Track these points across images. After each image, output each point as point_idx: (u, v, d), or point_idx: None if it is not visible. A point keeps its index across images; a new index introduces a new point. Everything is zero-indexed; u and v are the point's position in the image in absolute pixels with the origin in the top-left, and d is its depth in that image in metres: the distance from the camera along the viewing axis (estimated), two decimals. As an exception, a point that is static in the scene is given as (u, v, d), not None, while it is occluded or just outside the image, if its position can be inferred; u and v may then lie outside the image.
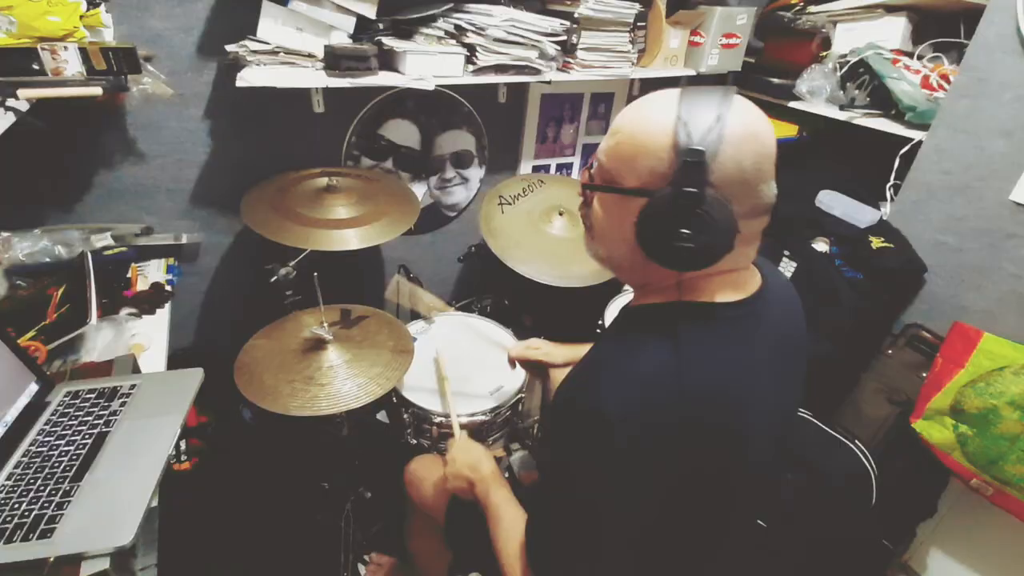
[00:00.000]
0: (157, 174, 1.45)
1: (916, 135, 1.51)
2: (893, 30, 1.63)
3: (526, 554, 0.75)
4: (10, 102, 1.00)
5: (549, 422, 0.72)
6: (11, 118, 1.00)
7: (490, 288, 2.01)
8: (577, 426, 0.64)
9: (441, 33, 1.45)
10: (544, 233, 1.68)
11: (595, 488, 0.63)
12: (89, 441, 0.87)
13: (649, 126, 0.61)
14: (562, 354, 1.19)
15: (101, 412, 0.92)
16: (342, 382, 1.17)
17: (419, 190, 1.84)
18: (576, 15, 1.55)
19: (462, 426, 1.30)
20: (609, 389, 0.61)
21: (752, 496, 0.75)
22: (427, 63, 1.40)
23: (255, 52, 1.27)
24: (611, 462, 0.61)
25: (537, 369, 1.25)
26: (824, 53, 1.76)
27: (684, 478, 0.61)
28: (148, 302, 1.28)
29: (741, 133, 0.58)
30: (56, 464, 0.84)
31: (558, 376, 1.32)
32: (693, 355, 0.61)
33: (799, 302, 0.78)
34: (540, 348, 1.22)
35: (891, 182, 1.60)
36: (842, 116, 1.63)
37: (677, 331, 0.63)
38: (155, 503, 0.80)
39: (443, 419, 1.32)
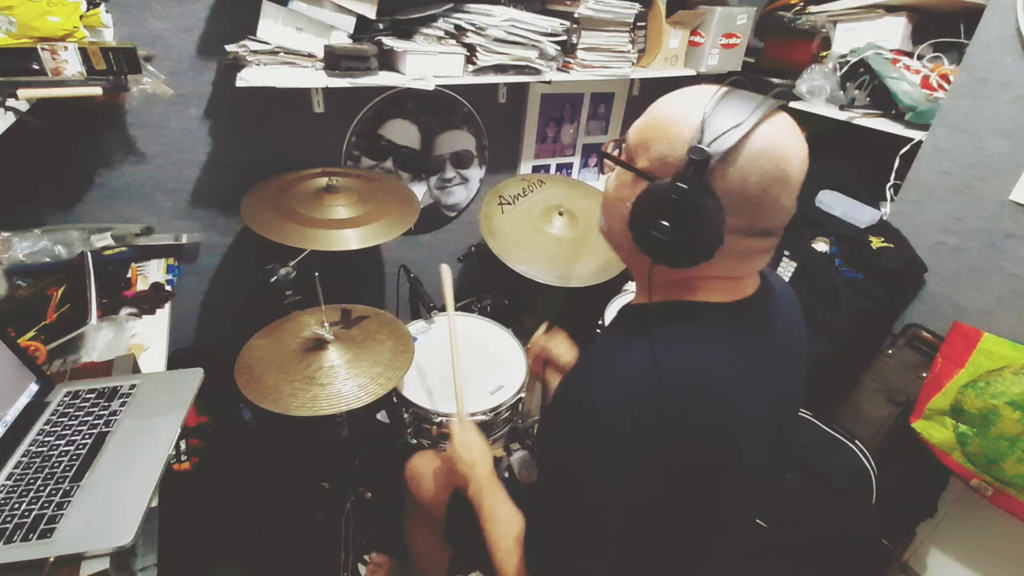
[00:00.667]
0: (157, 174, 1.45)
1: (916, 135, 1.51)
2: (893, 30, 1.63)
3: (523, 552, 0.75)
4: (10, 102, 1.00)
5: (547, 417, 0.73)
6: (11, 118, 1.00)
7: (490, 288, 2.01)
8: (568, 421, 0.65)
9: (441, 33, 1.45)
10: (544, 233, 1.68)
11: (587, 483, 0.63)
12: (89, 441, 0.87)
13: (676, 113, 0.61)
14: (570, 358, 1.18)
15: (101, 412, 0.92)
16: (343, 382, 1.17)
17: (419, 190, 1.84)
18: (576, 15, 1.55)
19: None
20: (598, 385, 0.62)
21: (747, 494, 0.75)
22: (427, 63, 1.40)
23: (255, 52, 1.27)
24: (600, 457, 0.61)
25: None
26: (824, 53, 1.76)
27: (672, 475, 0.62)
28: (148, 302, 1.28)
29: (759, 149, 0.57)
30: (56, 464, 0.84)
31: (555, 380, 1.32)
32: (673, 353, 0.62)
33: (798, 305, 0.78)
34: (562, 361, 1.19)
35: (891, 182, 1.60)
36: (842, 116, 1.63)
37: (661, 329, 0.64)
38: (155, 503, 0.80)
39: (444, 419, 1.32)
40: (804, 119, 1.81)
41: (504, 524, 0.83)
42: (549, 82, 1.64)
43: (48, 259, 1.23)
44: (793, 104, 1.77)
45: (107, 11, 1.16)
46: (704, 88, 0.62)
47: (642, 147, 0.63)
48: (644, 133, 0.64)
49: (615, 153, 0.68)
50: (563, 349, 1.19)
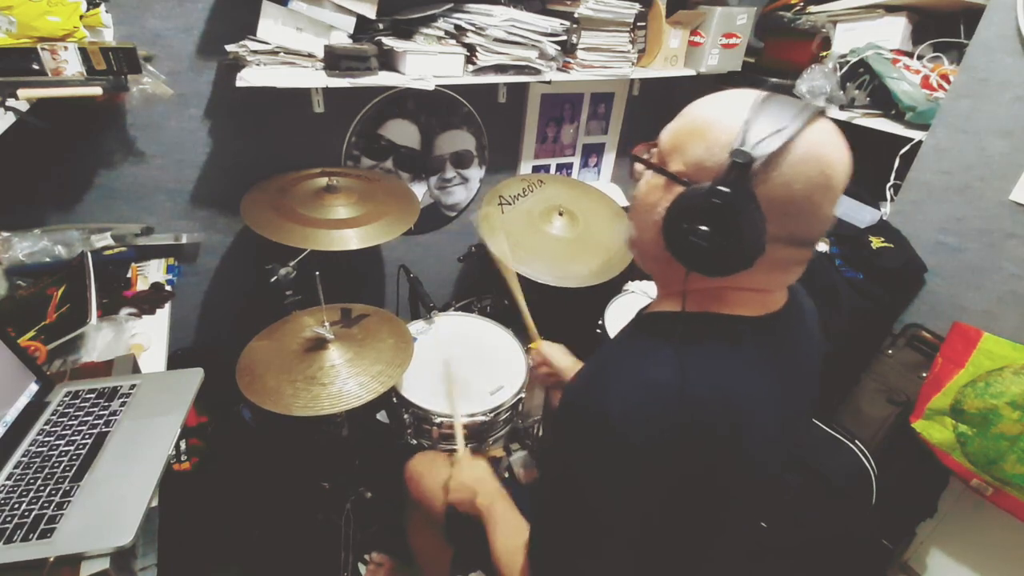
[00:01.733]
0: (157, 174, 1.45)
1: (916, 135, 1.51)
2: (893, 30, 1.63)
3: (528, 556, 0.75)
4: (10, 102, 1.00)
5: (555, 420, 0.72)
6: (11, 118, 1.00)
7: (490, 288, 2.01)
8: (582, 426, 0.64)
9: (441, 33, 1.45)
10: (544, 233, 1.68)
11: (597, 488, 0.63)
12: (89, 441, 0.87)
13: (714, 116, 0.59)
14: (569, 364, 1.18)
15: (101, 412, 0.92)
16: (344, 381, 1.17)
17: (419, 190, 1.84)
18: (576, 15, 1.55)
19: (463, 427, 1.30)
20: (616, 392, 0.60)
21: (751, 499, 0.74)
22: (427, 63, 1.40)
23: (255, 52, 1.27)
24: (613, 463, 0.60)
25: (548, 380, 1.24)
26: (824, 53, 1.76)
27: (683, 483, 0.61)
28: (148, 302, 1.28)
29: (803, 155, 0.55)
30: (56, 464, 0.84)
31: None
32: (701, 366, 0.60)
33: (817, 320, 0.77)
34: (558, 366, 1.18)
35: (891, 182, 1.60)
36: (842, 116, 1.63)
37: (689, 340, 0.62)
38: (155, 503, 0.80)
39: (444, 419, 1.32)
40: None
41: (510, 533, 0.83)
42: (549, 82, 1.64)
43: (48, 259, 1.23)
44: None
45: (107, 11, 1.16)
46: (742, 92, 0.61)
47: (677, 151, 0.61)
48: (679, 136, 0.62)
49: (646, 157, 0.66)
50: (560, 356, 1.19)
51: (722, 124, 0.58)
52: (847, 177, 0.59)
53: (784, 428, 0.68)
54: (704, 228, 0.55)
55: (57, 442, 0.87)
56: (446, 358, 1.43)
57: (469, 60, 1.48)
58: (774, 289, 0.66)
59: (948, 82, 1.46)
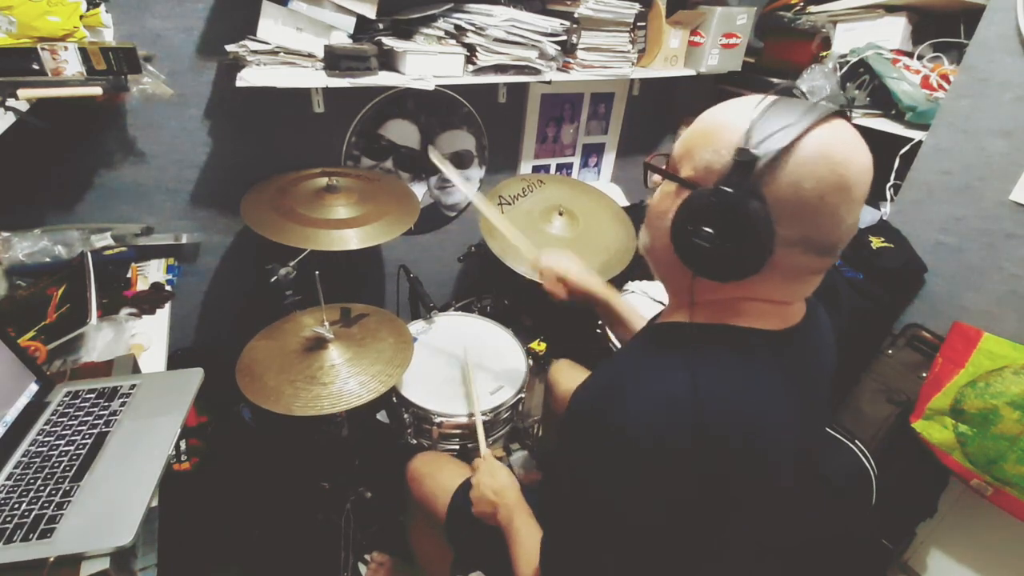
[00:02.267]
0: (157, 174, 1.45)
1: (916, 135, 1.51)
2: (893, 30, 1.63)
3: (540, 566, 0.74)
4: (10, 102, 1.00)
5: (563, 428, 0.71)
6: (11, 118, 1.00)
7: (490, 288, 2.01)
8: (597, 437, 0.63)
9: (441, 33, 1.45)
10: (544, 233, 1.68)
11: (612, 501, 0.62)
12: (89, 441, 0.87)
13: (721, 120, 0.60)
14: (589, 286, 1.16)
15: (101, 412, 0.92)
16: (344, 380, 1.17)
17: (419, 190, 1.84)
18: (576, 15, 1.55)
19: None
20: (634, 406, 0.60)
21: (764, 513, 0.74)
22: (427, 63, 1.40)
23: (255, 52, 1.27)
24: (630, 475, 0.60)
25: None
26: (824, 53, 1.76)
27: (696, 496, 0.61)
28: (148, 302, 1.28)
29: (812, 152, 0.54)
30: (56, 464, 0.84)
31: (560, 379, 1.31)
32: (714, 380, 0.60)
33: (832, 335, 0.77)
34: (574, 278, 1.16)
35: (891, 182, 1.60)
36: (842, 116, 1.63)
37: (702, 353, 0.62)
38: (155, 503, 0.80)
39: (443, 419, 1.32)
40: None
41: (533, 550, 0.81)
42: (549, 82, 1.64)
43: (48, 259, 1.23)
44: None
45: (107, 11, 1.16)
46: (755, 96, 0.61)
47: (687, 156, 0.62)
48: (689, 142, 0.62)
49: (660, 166, 0.66)
50: (570, 264, 1.18)
51: (730, 126, 0.57)
52: (866, 178, 0.57)
53: (800, 442, 0.67)
54: (708, 230, 0.55)
55: (57, 442, 0.87)
56: (463, 355, 1.42)
57: (469, 60, 1.48)
58: (791, 300, 0.65)
59: (948, 82, 1.47)
